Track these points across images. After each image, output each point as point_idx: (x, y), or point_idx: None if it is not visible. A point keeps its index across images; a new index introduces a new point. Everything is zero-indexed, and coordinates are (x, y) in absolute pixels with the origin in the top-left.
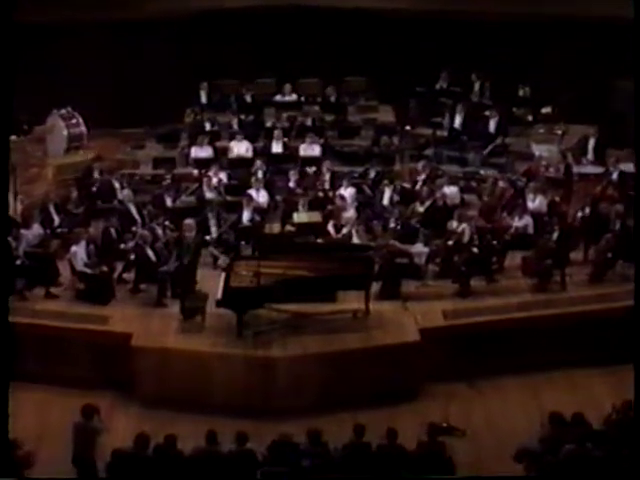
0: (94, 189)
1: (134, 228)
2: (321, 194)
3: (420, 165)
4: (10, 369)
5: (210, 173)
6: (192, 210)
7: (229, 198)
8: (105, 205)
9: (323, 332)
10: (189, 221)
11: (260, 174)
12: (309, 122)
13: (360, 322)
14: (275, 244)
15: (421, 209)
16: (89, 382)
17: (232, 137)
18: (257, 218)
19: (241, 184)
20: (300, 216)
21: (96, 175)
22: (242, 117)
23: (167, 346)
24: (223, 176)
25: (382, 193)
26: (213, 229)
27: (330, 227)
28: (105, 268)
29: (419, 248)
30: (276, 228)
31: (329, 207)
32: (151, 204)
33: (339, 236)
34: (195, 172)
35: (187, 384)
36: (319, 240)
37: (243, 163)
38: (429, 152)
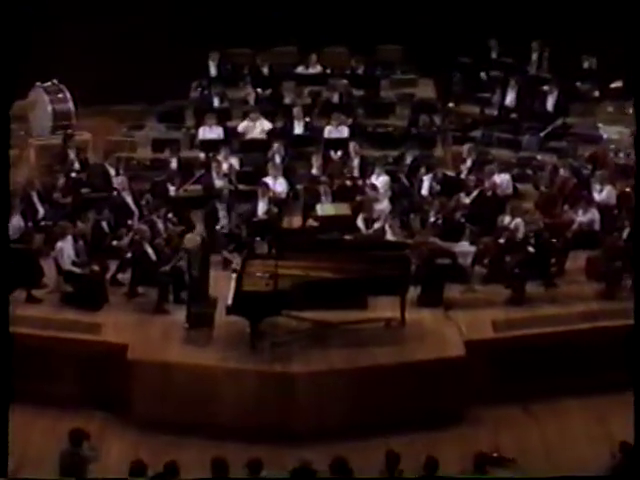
0: (77, 175)
1: (130, 221)
2: (349, 183)
3: (465, 149)
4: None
5: (219, 157)
6: (198, 201)
7: (242, 187)
8: (97, 194)
9: (351, 344)
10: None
11: (278, 159)
12: (335, 98)
13: (394, 333)
14: (295, 241)
15: (467, 201)
16: (77, 401)
17: (245, 116)
18: (274, 210)
19: (256, 171)
20: (324, 208)
21: (72, 156)
22: (257, 92)
23: (169, 359)
24: (235, 161)
25: (420, 182)
26: (223, 223)
27: (359, 221)
28: (96, 267)
29: (464, 247)
30: (296, 222)
31: (358, 198)
32: (150, 193)
33: (370, 232)
34: (202, 156)
35: (192, 404)
36: (346, 236)
37: (258, 146)
38: (476, 134)
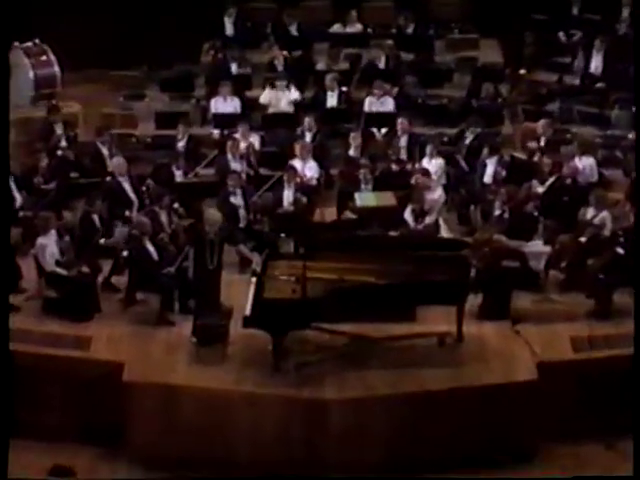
0: (63, 155)
1: (128, 212)
2: (395, 167)
3: (540, 126)
4: None
5: (237, 135)
6: (211, 188)
7: (263, 171)
8: (87, 179)
9: (395, 365)
10: (215, 214)
11: (307, 137)
12: (379, 64)
13: (449, 352)
14: (328, 237)
15: (540, 190)
16: (62, 432)
17: (269, 84)
18: (303, 200)
19: (280, 151)
20: (364, 198)
21: (58, 132)
22: (284, 56)
23: (173, 382)
24: (255, 139)
25: (483, 166)
26: (240, 215)
27: (407, 214)
28: (86, 269)
29: (537, 246)
30: (330, 215)
31: (406, 185)
32: (153, 178)
33: (420, 227)
34: (215, 133)
35: (201, 436)
36: (391, 233)
37: (284, 121)
38: (553, 107)
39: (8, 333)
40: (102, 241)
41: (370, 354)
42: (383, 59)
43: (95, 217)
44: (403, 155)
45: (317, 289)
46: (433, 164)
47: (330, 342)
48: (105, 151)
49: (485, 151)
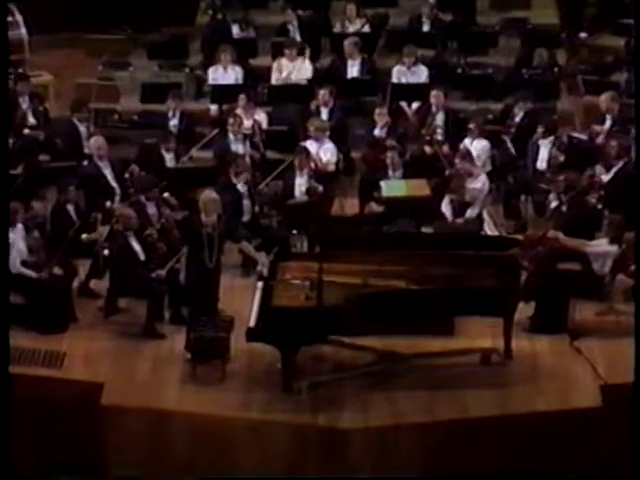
0: (31, 134)
1: (109, 203)
2: (429, 149)
3: (604, 100)
4: None
5: (239, 111)
6: (209, 174)
7: (271, 154)
8: (60, 163)
9: (430, 387)
10: (210, 194)
11: (324, 114)
12: (410, 26)
13: (495, 372)
14: (348, 234)
15: (605, 178)
16: (31, 465)
17: (277, 51)
18: (318, 189)
19: (291, 131)
20: (392, 187)
21: (25, 106)
22: (297, 16)
23: (163, 406)
24: (261, 116)
25: (536, 149)
26: (244, 206)
27: (445, 206)
28: (59, 271)
29: (601, 246)
30: (351, 207)
31: (443, 171)
32: (138, 163)
33: (460, 222)
34: (213, 109)
35: (195, 471)
36: (425, 229)
37: (295, 95)
38: (619, 78)
39: None
40: (84, 236)
41: (399, 374)
42: (415, 20)
43: (70, 208)
44: (439, 136)
45: (336, 296)
46: (475, 146)
47: (351, 359)
48: (81, 129)
49: (538, 131)
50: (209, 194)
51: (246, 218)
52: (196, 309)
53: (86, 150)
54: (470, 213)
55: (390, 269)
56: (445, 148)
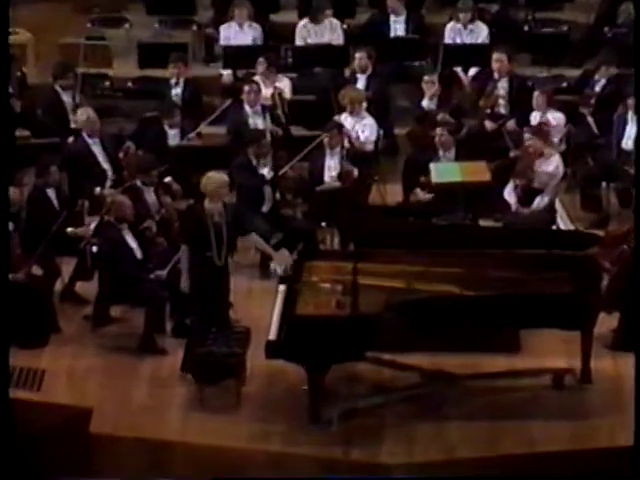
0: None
1: (99, 189)
2: (489, 124)
3: None
4: None
5: (257, 78)
6: (220, 155)
7: (296, 130)
8: (41, 140)
9: (488, 416)
10: (216, 175)
11: (361, 82)
12: None
13: (570, 398)
14: (390, 227)
15: None
16: None
17: (303, 6)
18: (353, 173)
19: (321, 102)
20: (444, 170)
21: None
22: None
23: (164, 437)
24: (284, 84)
25: (622, 125)
26: (264, 193)
27: (508, 193)
28: (38, 271)
29: None
30: (392, 194)
31: (507, 151)
32: (135, 140)
33: (527, 213)
34: (226, 75)
35: None
36: (483, 222)
37: (326, 57)
38: None
39: None
40: (69, 230)
41: (451, 399)
42: None
43: (51, 194)
44: (502, 109)
45: (374, 303)
46: (545, 120)
47: (393, 381)
48: (66, 99)
49: (628, 103)
50: (215, 175)
51: (265, 207)
52: (203, 318)
53: (72, 124)
54: (539, 202)
55: (440, 271)
56: (509, 123)
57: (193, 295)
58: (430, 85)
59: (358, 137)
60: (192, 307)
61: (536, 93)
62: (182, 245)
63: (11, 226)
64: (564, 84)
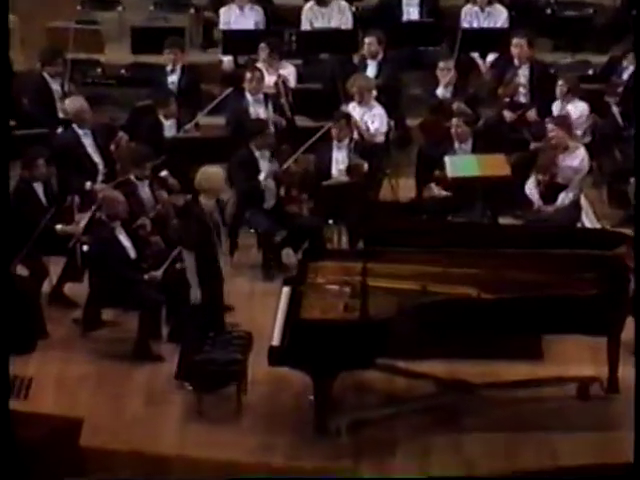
0: None
1: (90, 183)
2: (509, 114)
3: None
4: None
5: (260, 64)
6: (220, 147)
7: (301, 121)
8: (27, 130)
9: (509, 427)
10: (211, 169)
11: (371, 69)
12: None
13: (596, 408)
14: (401, 225)
15: None
16: None
17: None
18: (363, 166)
19: (329, 90)
20: (460, 164)
21: None
22: None
23: (160, 450)
24: (289, 71)
25: None
26: (266, 189)
27: (530, 189)
28: (24, 271)
29: None
30: (405, 190)
31: (528, 144)
32: (128, 131)
33: (550, 210)
34: (227, 61)
35: None
36: (502, 219)
37: (334, 42)
38: None
39: None
40: (58, 228)
41: (469, 410)
42: None
43: (38, 189)
44: (523, 97)
45: (385, 306)
46: (570, 111)
47: (406, 390)
48: (55, 87)
49: None
50: (210, 170)
51: (269, 204)
52: (201, 322)
53: (60, 114)
54: (563, 199)
55: (456, 272)
56: (530, 113)
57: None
58: (445, 72)
59: (367, 128)
60: (192, 311)
61: (560, 82)
62: (185, 252)
63: None
64: (589, 71)
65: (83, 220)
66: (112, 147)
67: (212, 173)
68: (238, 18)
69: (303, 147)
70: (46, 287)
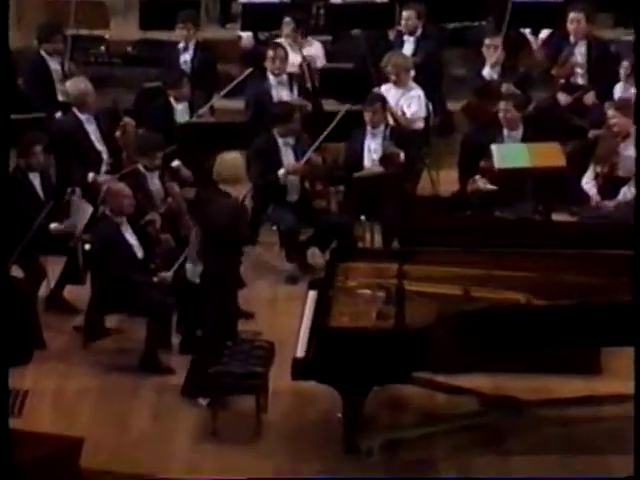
0: None
1: (92, 175)
2: (564, 97)
3: None
4: None
5: (283, 41)
6: (238, 133)
7: (329, 105)
8: (23, 115)
9: (561, 449)
10: (233, 157)
11: (408, 46)
12: None
13: None
14: (443, 223)
15: None
16: None
17: None
18: (399, 156)
19: (360, 70)
20: (509, 153)
21: None
22: None
23: (169, 473)
24: (315, 50)
25: None
26: (289, 182)
27: (587, 182)
28: (19, 273)
29: None
30: (446, 182)
31: (585, 131)
32: (134, 116)
33: (610, 206)
34: (246, 38)
35: None
36: (556, 216)
37: (367, 17)
38: None
39: None
40: (53, 226)
41: (517, 429)
42: None
43: (35, 180)
44: (579, 78)
45: (423, 313)
46: (632, 94)
47: (444, 407)
48: (54, 67)
49: None
50: (231, 157)
51: (292, 198)
52: (217, 329)
53: (60, 96)
54: (625, 194)
55: (504, 275)
56: (588, 96)
57: (211, 303)
58: (492, 50)
59: (404, 113)
60: (207, 317)
61: (625, 62)
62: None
63: None
64: None
65: (85, 215)
66: (117, 134)
67: (231, 159)
68: None
69: (327, 130)
70: (43, 290)
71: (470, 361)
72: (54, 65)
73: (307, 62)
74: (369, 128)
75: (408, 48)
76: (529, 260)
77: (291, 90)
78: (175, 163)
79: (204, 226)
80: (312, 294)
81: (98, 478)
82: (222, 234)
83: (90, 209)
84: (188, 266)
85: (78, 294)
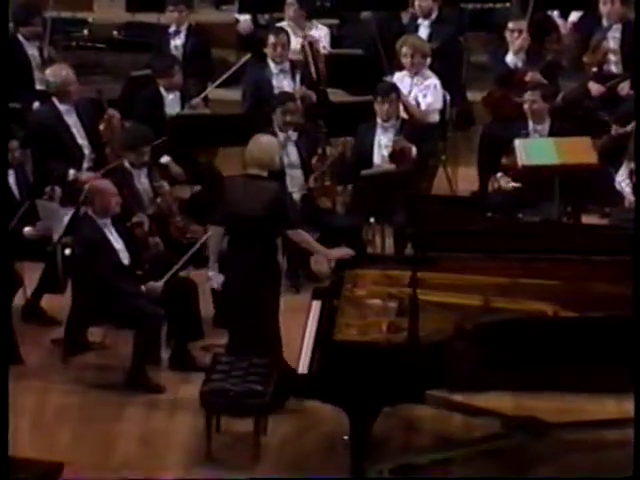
0: None
1: (73, 171)
2: (596, 87)
3: None
4: None
5: (285, 24)
6: (236, 127)
7: (335, 94)
8: None
9: (592, 476)
10: (268, 140)
11: (424, 30)
12: None
13: None
14: (460, 225)
15: None
16: None
17: None
18: (412, 151)
19: (370, 57)
20: (534, 149)
21: None
22: None
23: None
24: (321, 33)
25: None
26: (293, 178)
27: (621, 180)
28: None
29: None
30: (466, 180)
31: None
32: (120, 107)
33: None
34: (243, 21)
35: None
36: (586, 218)
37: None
38: None
39: None
40: (27, 230)
41: (541, 454)
42: None
43: (10, 177)
44: (612, 65)
45: (439, 325)
46: None
47: (462, 429)
48: (32, 52)
49: None
50: (263, 137)
51: (295, 196)
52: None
53: (38, 85)
54: None
55: (528, 283)
56: (623, 86)
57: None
58: (516, 35)
59: (418, 104)
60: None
61: None
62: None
63: None
64: None
65: (65, 216)
66: (101, 127)
67: (266, 143)
68: None
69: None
70: (19, 300)
71: (490, 379)
72: (32, 50)
73: (309, 41)
74: (380, 121)
75: (423, 32)
76: (556, 267)
77: (293, 79)
78: (165, 159)
79: (240, 217)
80: (316, 304)
81: None
82: (268, 222)
83: (60, 210)
84: (211, 274)
85: (57, 304)
